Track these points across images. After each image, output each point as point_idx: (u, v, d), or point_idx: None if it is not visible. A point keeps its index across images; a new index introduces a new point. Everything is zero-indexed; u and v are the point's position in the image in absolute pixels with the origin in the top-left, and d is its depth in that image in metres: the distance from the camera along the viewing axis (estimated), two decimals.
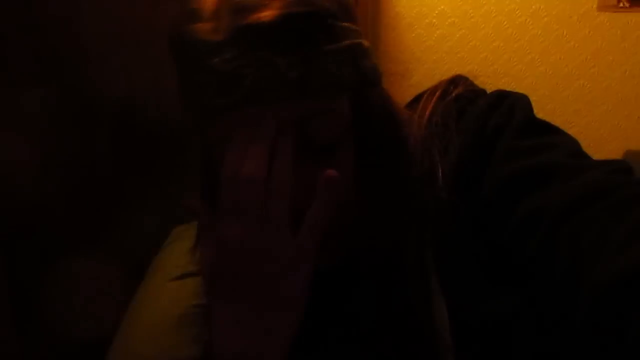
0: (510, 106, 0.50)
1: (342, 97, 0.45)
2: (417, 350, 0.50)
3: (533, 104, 0.51)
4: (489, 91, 0.55)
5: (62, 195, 0.90)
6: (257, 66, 0.41)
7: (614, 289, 0.35)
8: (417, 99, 0.57)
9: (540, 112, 0.52)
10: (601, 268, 0.37)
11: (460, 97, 0.53)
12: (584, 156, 0.47)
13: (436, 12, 1.49)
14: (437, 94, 0.55)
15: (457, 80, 0.56)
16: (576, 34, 1.42)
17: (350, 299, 0.53)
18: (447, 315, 0.49)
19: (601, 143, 1.41)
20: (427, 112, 0.54)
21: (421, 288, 0.50)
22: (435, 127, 0.52)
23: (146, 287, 0.86)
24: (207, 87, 0.42)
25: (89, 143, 0.94)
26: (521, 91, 0.53)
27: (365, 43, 0.46)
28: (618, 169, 0.44)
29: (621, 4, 1.39)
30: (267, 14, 0.40)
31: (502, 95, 0.52)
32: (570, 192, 0.42)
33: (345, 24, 0.44)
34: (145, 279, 0.88)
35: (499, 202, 0.47)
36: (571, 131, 0.50)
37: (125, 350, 0.77)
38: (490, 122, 0.49)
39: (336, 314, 0.53)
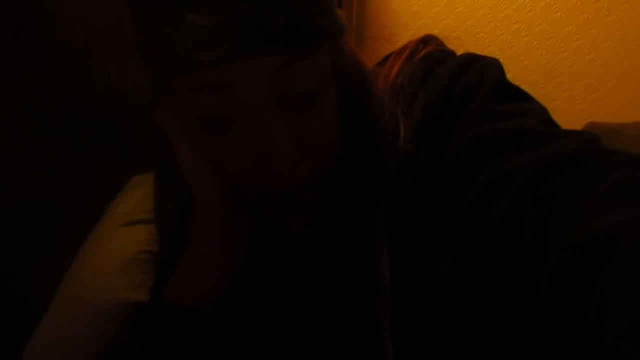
0: (481, 69, 0.49)
1: (323, 46, 0.45)
2: (355, 300, 0.50)
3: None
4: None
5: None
6: (239, 20, 0.39)
7: (580, 254, 0.35)
8: (386, 59, 0.56)
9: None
10: (568, 233, 0.36)
11: (429, 56, 0.52)
12: (554, 125, 0.47)
13: None
14: (406, 53, 0.54)
15: (426, 40, 0.55)
16: (563, 4, 1.40)
17: (305, 256, 0.54)
18: (388, 270, 0.49)
19: (583, 117, 1.41)
20: (394, 71, 0.53)
21: (371, 244, 0.50)
22: (400, 85, 0.51)
23: (98, 231, 0.87)
24: (182, 42, 0.40)
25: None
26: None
27: None
28: (588, 139, 0.43)
29: None
30: None
31: (473, 58, 0.51)
32: (541, 159, 0.41)
33: None
34: (98, 224, 0.88)
35: (465, 165, 0.46)
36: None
37: (71, 292, 0.78)
38: (459, 84, 0.49)
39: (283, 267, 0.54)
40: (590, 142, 0.43)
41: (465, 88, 0.48)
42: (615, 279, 0.32)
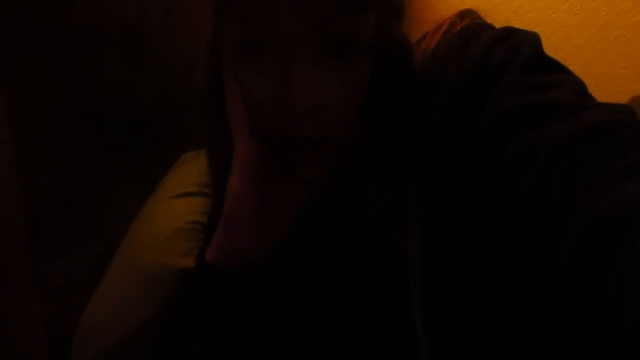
0: (518, 42, 0.49)
1: (373, 13, 0.47)
2: (383, 274, 0.52)
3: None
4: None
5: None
6: None
7: (603, 223, 0.35)
8: (425, 35, 0.57)
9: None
10: (593, 202, 0.36)
11: (465, 29, 0.53)
12: (589, 97, 0.47)
13: None
14: (444, 27, 0.55)
15: (463, 14, 0.56)
16: None
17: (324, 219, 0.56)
18: (418, 244, 0.50)
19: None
20: (432, 45, 0.54)
21: (395, 212, 0.51)
22: (437, 57, 0.52)
23: (150, 203, 0.90)
24: None
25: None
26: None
27: None
28: (622, 110, 0.43)
29: None
30: None
31: (510, 31, 0.51)
32: (570, 130, 0.42)
33: None
34: (150, 197, 0.91)
35: (496, 136, 0.47)
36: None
37: (124, 257, 0.83)
38: (495, 56, 0.49)
39: (308, 235, 0.56)
40: (622, 113, 0.43)
41: (500, 60, 0.48)
42: (637, 248, 0.32)
